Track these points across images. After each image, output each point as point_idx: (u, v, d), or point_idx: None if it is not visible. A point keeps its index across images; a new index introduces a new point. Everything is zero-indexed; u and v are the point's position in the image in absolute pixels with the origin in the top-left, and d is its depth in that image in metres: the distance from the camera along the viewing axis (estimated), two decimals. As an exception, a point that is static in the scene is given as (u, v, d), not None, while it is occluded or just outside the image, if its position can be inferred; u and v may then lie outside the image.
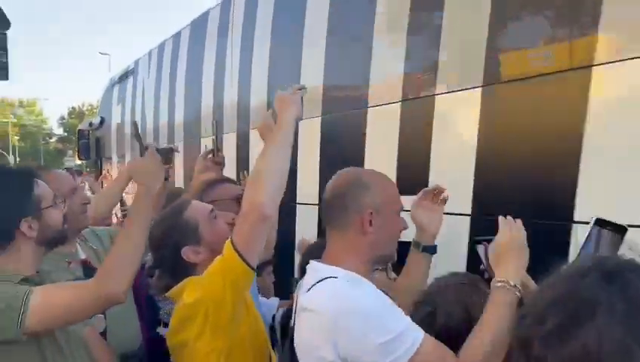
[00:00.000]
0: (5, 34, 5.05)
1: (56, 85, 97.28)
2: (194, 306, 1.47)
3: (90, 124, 9.41)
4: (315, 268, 1.38)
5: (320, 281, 1.30)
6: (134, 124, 1.96)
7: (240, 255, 1.42)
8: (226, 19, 4.59)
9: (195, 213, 1.70)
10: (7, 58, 5.05)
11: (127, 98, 7.44)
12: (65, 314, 1.45)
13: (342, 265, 1.33)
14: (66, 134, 59.49)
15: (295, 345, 1.35)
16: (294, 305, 1.44)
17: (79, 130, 9.98)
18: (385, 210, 1.38)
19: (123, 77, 7.79)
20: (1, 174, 1.64)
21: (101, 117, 8.90)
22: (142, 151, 1.68)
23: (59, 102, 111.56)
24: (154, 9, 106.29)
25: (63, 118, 60.00)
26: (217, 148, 2.72)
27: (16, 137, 53.68)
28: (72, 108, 60.15)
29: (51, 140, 59.95)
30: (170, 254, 1.66)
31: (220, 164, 2.74)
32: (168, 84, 5.89)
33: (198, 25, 5.24)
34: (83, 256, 2.16)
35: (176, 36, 5.80)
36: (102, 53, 34.94)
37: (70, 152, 61.87)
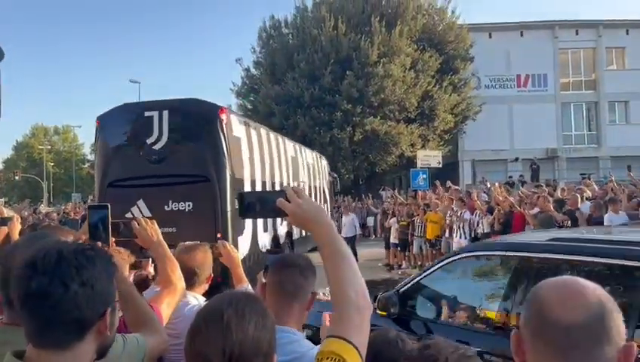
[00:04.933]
0: None
1: (89, 112, 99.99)
2: None
3: None
4: None
5: None
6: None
7: (359, 352, 1.30)
8: None
9: None
10: None
11: None
12: None
13: None
14: (98, 160, 60.80)
15: None
16: None
17: None
18: None
19: None
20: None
21: None
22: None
23: (92, 129, 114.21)
24: (184, 38, 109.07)
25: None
26: None
27: (51, 163, 55.28)
28: (104, 134, 61.28)
29: (85, 166, 61.33)
30: None
31: None
32: None
33: None
34: None
35: None
36: (132, 81, 35.63)
37: (102, 178, 63.43)
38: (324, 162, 17.99)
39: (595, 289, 1.14)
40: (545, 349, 1.11)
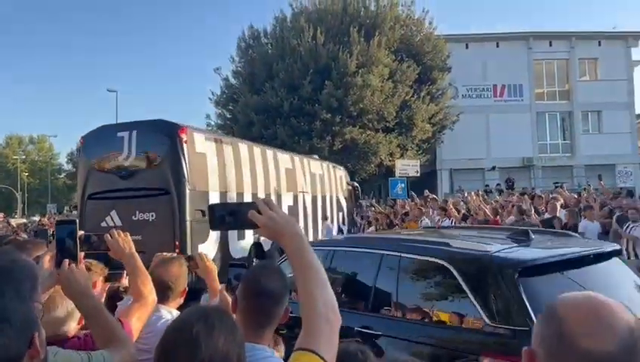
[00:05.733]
0: None
1: (64, 121, 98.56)
2: None
3: None
4: None
5: None
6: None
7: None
8: None
9: None
10: None
11: None
12: None
13: None
14: (75, 170, 60.03)
15: None
16: None
17: None
18: None
19: None
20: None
21: None
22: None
23: (68, 138, 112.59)
24: (160, 46, 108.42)
25: (72, 154, 60.59)
26: None
27: (26, 173, 54.26)
28: (81, 144, 60.43)
29: (60, 176, 60.35)
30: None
31: None
32: None
33: None
34: None
35: None
36: (109, 90, 35.28)
37: (79, 188, 62.58)
38: (341, 172, 18.58)
39: (622, 312, 1.01)
40: None
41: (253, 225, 1.45)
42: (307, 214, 14.23)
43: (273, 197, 11.56)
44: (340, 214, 17.11)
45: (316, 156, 17.86)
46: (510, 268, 3.56)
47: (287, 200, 13.01)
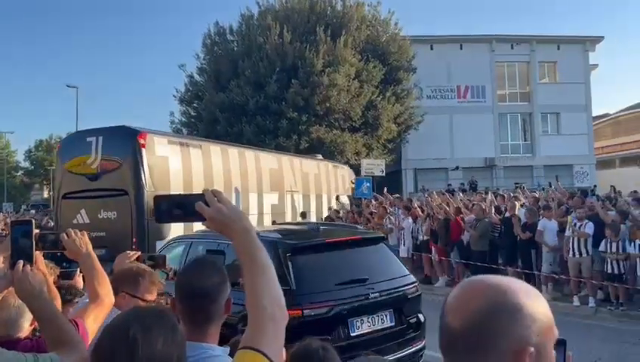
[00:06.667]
0: None
1: (22, 118, 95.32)
2: None
3: None
4: None
5: None
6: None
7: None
8: None
9: None
10: None
11: None
12: None
13: None
14: (33, 167, 58.28)
15: None
16: None
17: None
18: (546, 346, 0.98)
19: None
20: None
21: None
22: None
23: (26, 135, 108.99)
24: (123, 41, 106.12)
25: (30, 151, 58.77)
26: None
27: (-20, 171, 52.29)
28: (40, 141, 58.88)
29: (17, 174, 58.47)
30: None
31: None
32: None
33: None
34: None
35: None
36: (69, 86, 34.32)
37: (37, 186, 60.79)
38: (344, 171, 18.99)
39: (490, 289, 1.01)
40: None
41: (201, 218, 1.39)
42: (297, 212, 14.61)
43: (233, 196, 11.70)
44: (342, 212, 17.43)
45: (320, 156, 18.12)
46: (284, 248, 5.24)
47: (270, 200, 13.41)
